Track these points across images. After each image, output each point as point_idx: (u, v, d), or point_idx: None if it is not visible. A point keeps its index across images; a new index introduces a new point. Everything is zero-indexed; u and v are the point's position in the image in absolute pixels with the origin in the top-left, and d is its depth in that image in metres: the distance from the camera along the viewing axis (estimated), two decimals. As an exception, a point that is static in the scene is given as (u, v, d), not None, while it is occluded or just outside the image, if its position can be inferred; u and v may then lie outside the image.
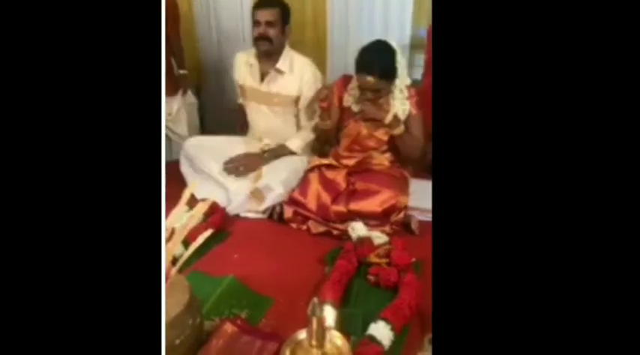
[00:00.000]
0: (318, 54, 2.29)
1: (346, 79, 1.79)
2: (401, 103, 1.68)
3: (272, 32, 1.73)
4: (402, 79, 1.66)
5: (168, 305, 0.95)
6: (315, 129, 1.88)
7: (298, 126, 1.95)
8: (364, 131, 1.75)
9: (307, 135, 1.91)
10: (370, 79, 1.57)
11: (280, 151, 1.88)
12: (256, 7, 1.74)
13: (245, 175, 1.78)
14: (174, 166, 1.91)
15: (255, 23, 1.74)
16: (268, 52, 1.78)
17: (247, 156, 1.84)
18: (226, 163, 1.79)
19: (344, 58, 2.26)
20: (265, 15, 1.71)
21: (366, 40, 1.95)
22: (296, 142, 1.89)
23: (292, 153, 1.89)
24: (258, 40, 1.75)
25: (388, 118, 1.66)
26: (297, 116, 1.93)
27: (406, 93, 1.68)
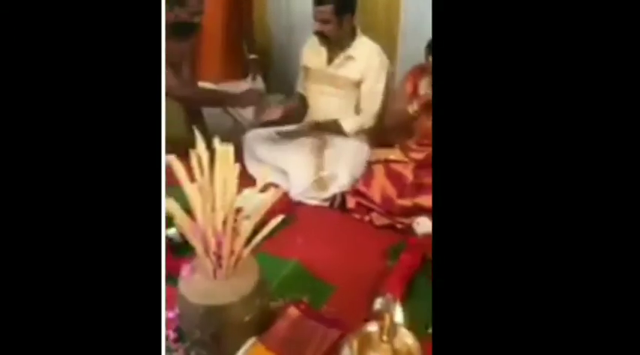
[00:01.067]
0: (388, 40, 2.23)
1: (420, 69, 1.73)
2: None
3: (327, 28, 1.75)
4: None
5: (240, 284, 0.99)
6: (391, 116, 1.84)
7: (357, 111, 1.93)
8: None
9: (365, 121, 1.89)
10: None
11: (329, 127, 1.88)
12: (314, 2, 1.76)
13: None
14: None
15: (314, 19, 1.77)
16: (331, 41, 1.81)
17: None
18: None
19: (415, 45, 2.19)
20: (320, 13, 1.73)
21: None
22: (350, 123, 1.87)
23: (341, 132, 1.88)
24: (317, 36, 1.80)
25: None
26: (357, 100, 1.91)
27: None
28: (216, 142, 0.95)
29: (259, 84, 2.37)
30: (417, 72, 1.75)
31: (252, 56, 2.30)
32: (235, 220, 0.98)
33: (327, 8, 1.71)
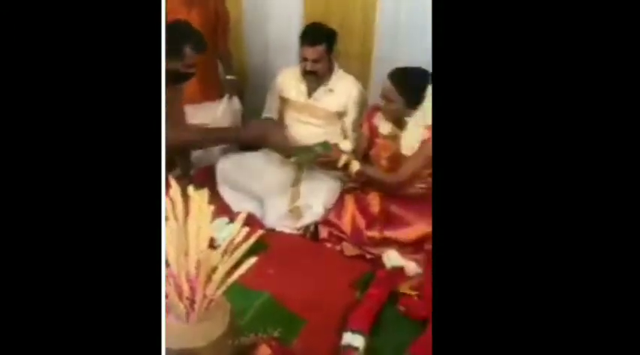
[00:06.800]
0: (362, 66, 2.30)
1: (377, 108, 1.80)
2: (411, 137, 1.65)
3: (319, 67, 1.79)
4: (424, 117, 1.62)
5: (211, 327, 1.01)
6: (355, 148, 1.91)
7: (344, 137, 2.00)
8: (383, 162, 1.76)
9: (354, 145, 1.95)
10: (387, 83, 1.60)
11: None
12: (303, 41, 1.78)
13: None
14: (209, 170, 2.02)
15: (302, 58, 1.79)
16: (317, 77, 1.85)
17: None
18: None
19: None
20: (311, 53, 1.76)
21: (414, 55, 1.93)
22: (347, 145, 1.90)
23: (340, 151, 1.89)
24: (306, 74, 1.82)
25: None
26: (343, 129, 1.99)
27: (422, 131, 1.63)
28: (191, 189, 0.97)
29: (236, 104, 2.39)
30: (371, 112, 1.82)
31: (229, 77, 2.32)
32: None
33: (321, 48, 1.76)
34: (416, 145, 1.65)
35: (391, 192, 1.72)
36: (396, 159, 1.73)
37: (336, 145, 1.89)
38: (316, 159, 1.67)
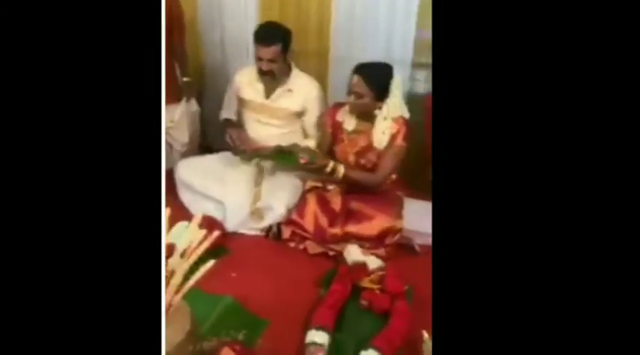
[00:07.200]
0: (320, 65, 2.31)
1: (339, 105, 1.82)
2: (381, 130, 1.68)
3: (275, 67, 1.77)
4: (392, 108, 1.66)
5: (170, 333, 0.99)
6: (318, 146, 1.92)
7: (305, 137, 2.00)
8: (351, 157, 1.78)
9: (315, 144, 1.96)
10: (356, 78, 1.60)
11: (293, 150, 1.89)
12: (257, 41, 1.75)
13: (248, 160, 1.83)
14: (169, 174, 1.96)
15: (258, 58, 1.76)
16: (274, 77, 1.84)
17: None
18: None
19: (347, 70, 2.28)
20: (267, 53, 1.73)
21: (370, 52, 1.96)
22: (309, 144, 1.91)
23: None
24: (263, 74, 1.80)
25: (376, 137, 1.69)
26: (303, 128, 1.99)
27: (390, 124, 1.67)
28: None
29: (194, 106, 2.35)
30: (334, 109, 1.83)
31: (186, 79, 2.28)
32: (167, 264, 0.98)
33: (276, 48, 1.73)
34: (386, 138, 1.68)
35: (373, 191, 1.76)
36: (364, 154, 1.75)
37: (296, 145, 1.91)
38: (297, 164, 1.66)
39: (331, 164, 1.67)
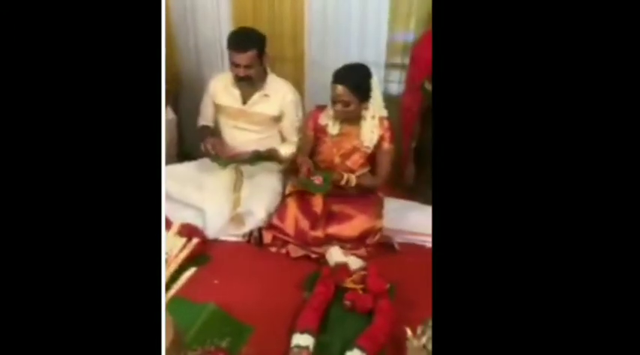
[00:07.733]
0: (296, 70, 2.32)
1: (321, 108, 1.83)
2: (370, 130, 1.72)
3: (252, 72, 1.76)
4: (376, 108, 1.71)
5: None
6: (298, 149, 1.92)
7: (283, 141, 2.00)
8: (337, 159, 1.80)
9: (293, 148, 1.97)
10: (340, 88, 1.61)
11: (268, 154, 1.92)
12: (232, 48, 1.73)
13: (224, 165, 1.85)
14: None
15: (233, 64, 1.75)
16: (251, 83, 1.83)
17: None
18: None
19: (322, 74, 2.29)
20: (243, 59, 1.72)
21: (343, 56, 1.98)
22: (285, 149, 1.94)
23: (278, 159, 1.94)
24: (239, 80, 1.79)
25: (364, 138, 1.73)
26: (280, 132, 1.99)
27: (377, 123, 1.72)
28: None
29: (169, 115, 2.33)
30: (316, 112, 1.84)
31: (161, 88, 2.26)
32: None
33: (252, 53, 1.72)
34: (375, 137, 1.72)
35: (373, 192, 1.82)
36: (349, 156, 1.77)
37: (273, 150, 1.92)
38: (315, 187, 1.72)
39: (345, 176, 1.74)
